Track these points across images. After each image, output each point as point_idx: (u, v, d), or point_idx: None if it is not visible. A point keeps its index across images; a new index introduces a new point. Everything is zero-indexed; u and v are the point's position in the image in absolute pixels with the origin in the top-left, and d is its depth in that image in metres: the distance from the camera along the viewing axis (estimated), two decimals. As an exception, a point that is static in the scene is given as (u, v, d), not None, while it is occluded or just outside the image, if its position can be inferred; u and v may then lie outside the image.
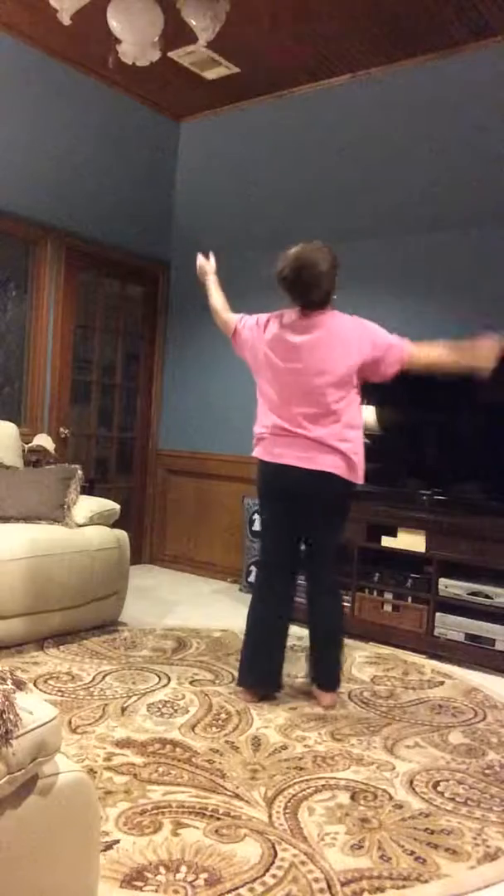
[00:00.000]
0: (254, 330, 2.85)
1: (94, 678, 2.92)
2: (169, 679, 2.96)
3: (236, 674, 3.01)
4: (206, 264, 3.09)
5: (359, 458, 2.73)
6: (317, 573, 2.86)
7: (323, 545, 2.83)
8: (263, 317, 2.85)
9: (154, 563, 5.36)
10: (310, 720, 2.64)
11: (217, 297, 3.01)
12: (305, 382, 2.69)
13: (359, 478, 2.75)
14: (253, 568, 4.62)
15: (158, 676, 2.99)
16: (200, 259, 3.11)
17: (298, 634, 3.71)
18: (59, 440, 4.61)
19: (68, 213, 4.63)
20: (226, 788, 2.11)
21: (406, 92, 4.27)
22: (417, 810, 2.06)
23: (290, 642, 3.57)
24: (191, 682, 2.94)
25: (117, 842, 1.80)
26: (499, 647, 3.30)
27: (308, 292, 2.68)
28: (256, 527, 4.60)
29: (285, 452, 2.71)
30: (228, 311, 2.97)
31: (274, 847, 1.83)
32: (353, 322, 2.73)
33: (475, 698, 2.97)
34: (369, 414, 3.84)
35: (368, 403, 3.74)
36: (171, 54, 4.25)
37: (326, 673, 2.82)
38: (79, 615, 3.43)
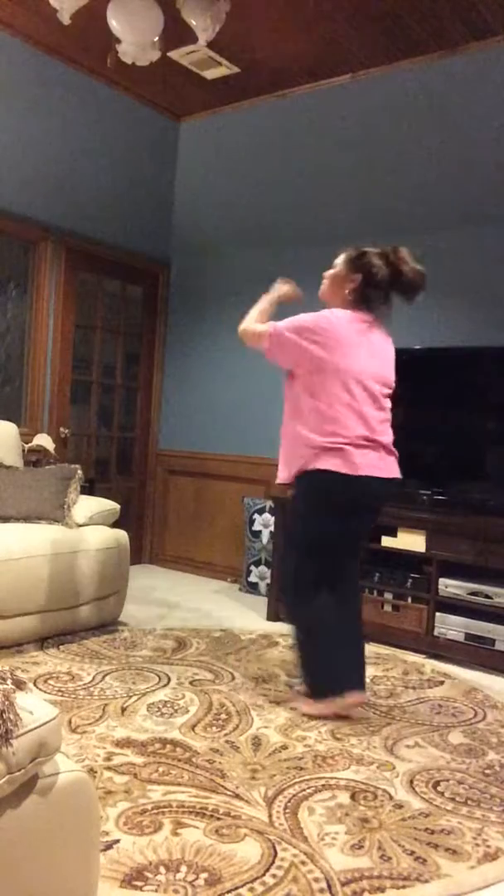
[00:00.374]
0: (306, 331, 2.62)
1: (94, 678, 2.92)
2: (169, 679, 2.96)
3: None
4: (286, 288, 2.92)
5: None
6: (355, 581, 2.84)
7: (361, 551, 2.83)
8: (310, 317, 2.64)
9: (154, 563, 5.36)
10: (310, 720, 2.64)
11: (261, 310, 2.82)
12: (381, 386, 2.67)
13: None
14: (253, 568, 4.62)
15: (158, 676, 2.99)
16: (289, 285, 2.93)
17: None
18: (59, 440, 4.61)
19: (68, 213, 4.63)
20: (226, 788, 2.11)
21: (406, 92, 4.27)
22: (417, 810, 2.06)
23: (290, 642, 3.58)
24: (191, 682, 2.94)
25: (117, 841, 1.80)
26: (499, 647, 3.30)
27: (409, 298, 2.70)
28: (256, 527, 4.60)
29: (364, 462, 2.59)
30: (261, 323, 2.82)
31: (274, 847, 1.83)
32: None
33: (475, 698, 2.97)
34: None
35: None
36: (171, 54, 4.25)
37: (361, 674, 2.78)
38: (79, 615, 3.43)
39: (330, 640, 2.72)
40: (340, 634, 2.74)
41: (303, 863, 1.77)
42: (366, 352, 2.64)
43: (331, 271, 2.80)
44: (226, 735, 2.47)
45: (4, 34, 4.17)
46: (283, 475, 2.74)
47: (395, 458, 2.70)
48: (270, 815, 1.98)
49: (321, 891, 1.67)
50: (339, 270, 2.77)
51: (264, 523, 4.56)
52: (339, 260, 2.78)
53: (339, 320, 2.64)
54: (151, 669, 3.07)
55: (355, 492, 2.61)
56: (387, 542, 3.66)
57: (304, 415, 2.66)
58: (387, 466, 2.65)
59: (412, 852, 1.84)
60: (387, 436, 2.68)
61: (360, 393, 2.61)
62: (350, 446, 2.57)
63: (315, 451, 2.60)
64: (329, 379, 2.61)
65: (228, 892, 1.64)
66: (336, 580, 2.75)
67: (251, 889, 1.66)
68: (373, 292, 2.68)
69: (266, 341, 2.70)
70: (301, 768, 2.26)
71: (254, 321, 2.79)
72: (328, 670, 2.72)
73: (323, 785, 2.17)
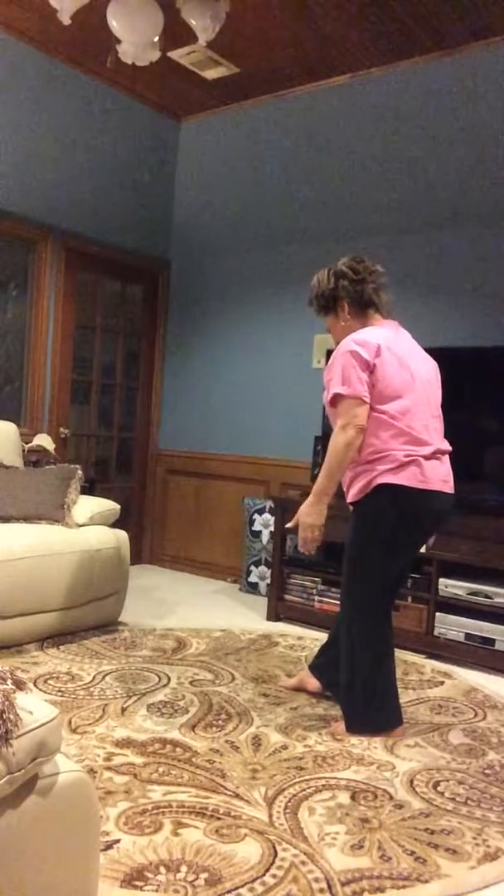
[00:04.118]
0: (359, 365, 2.45)
1: (94, 678, 2.92)
2: (169, 679, 2.96)
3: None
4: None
5: None
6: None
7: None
8: (350, 354, 2.47)
9: (154, 563, 5.36)
10: (310, 720, 2.64)
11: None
12: (434, 393, 2.58)
13: None
14: (253, 568, 4.62)
15: (158, 676, 2.99)
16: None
17: (298, 634, 3.72)
18: (59, 440, 4.61)
19: (68, 213, 4.63)
20: (226, 788, 2.11)
21: (406, 92, 4.27)
22: (417, 810, 2.06)
23: (290, 642, 3.58)
24: (191, 682, 2.94)
25: (117, 841, 1.80)
26: (499, 647, 3.30)
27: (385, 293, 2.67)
28: (256, 527, 4.60)
29: (433, 477, 2.47)
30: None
31: (274, 847, 1.83)
32: None
33: (475, 698, 2.97)
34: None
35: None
36: (171, 54, 4.25)
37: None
38: (79, 615, 3.43)
39: (393, 669, 2.58)
40: (392, 661, 2.60)
41: (303, 863, 1.77)
42: (411, 357, 2.53)
43: (328, 327, 2.73)
44: (226, 735, 2.47)
45: (4, 34, 4.17)
46: (351, 495, 2.57)
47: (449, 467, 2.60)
48: (270, 815, 1.98)
49: (321, 891, 1.67)
50: (329, 323, 2.71)
51: (264, 523, 4.56)
52: (326, 323, 2.72)
53: (372, 336, 2.51)
54: (151, 669, 3.07)
55: (424, 506, 2.49)
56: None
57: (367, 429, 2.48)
58: (451, 480, 2.55)
59: (412, 852, 1.84)
60: (446, 443, 2.58)
61: (421, 400, 2.50)
62: (423, 458, 2.45)
63: (389, 466, 2.45)
64: (391, 390, 2.47)
65: (228, 892, 1.64)
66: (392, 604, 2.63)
67: (251, 889, 1.66)
68: (364, 291, 2.62)
69: (357, 419, 2.44)
70: (301, 768, 2.26)
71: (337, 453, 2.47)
72: (393, 701, 2.56)
73: (323, 785, 2.17)
